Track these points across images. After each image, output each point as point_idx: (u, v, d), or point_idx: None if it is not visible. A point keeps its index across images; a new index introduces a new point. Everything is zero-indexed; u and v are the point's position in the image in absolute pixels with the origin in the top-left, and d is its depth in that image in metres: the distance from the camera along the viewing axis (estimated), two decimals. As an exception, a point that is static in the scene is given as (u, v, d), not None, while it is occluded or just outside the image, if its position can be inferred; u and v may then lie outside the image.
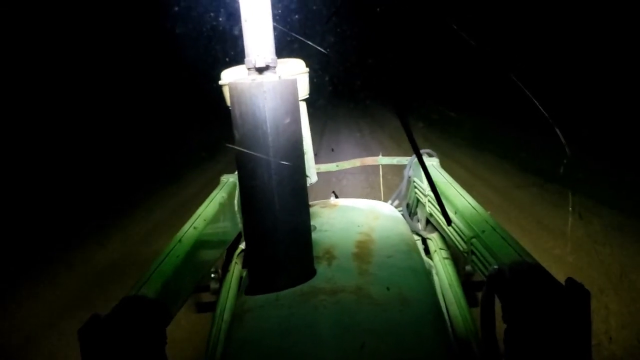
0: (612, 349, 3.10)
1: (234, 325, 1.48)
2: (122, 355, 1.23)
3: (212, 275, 2.25)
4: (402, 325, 1.38)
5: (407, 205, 2.78)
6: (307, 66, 2.29)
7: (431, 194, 2.26)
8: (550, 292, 1.27)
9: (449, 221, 1.59)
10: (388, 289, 1.53)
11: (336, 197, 2.75)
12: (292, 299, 1.47)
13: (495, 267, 1.44)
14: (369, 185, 6.47)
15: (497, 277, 1.41)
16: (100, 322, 1.24)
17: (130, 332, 1.26)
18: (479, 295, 2.41)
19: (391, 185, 3.49)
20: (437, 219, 2.18)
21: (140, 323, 1.30)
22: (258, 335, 1.39)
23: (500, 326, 1.35)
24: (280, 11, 1.54)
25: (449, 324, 1.80)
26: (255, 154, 1.43)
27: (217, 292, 2.23)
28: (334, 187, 5.76)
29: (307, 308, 1.43)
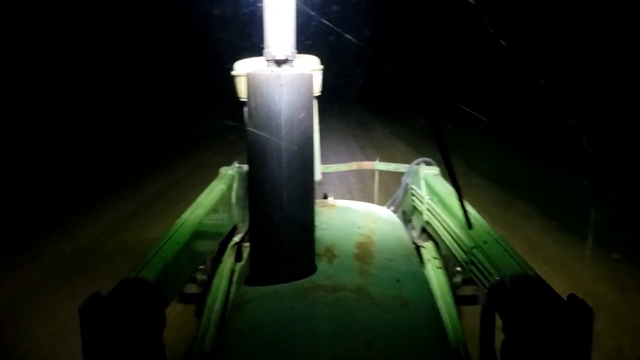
0: None
1: (232, 314, 1.48)
2: (121, 334, 1.22)
3: (200, 267, 2.24)
4: (402, 328, 1.38)
5: (403, 212, 2.79)
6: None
7: (430, 202, 2.27)
8: (552, 308, 1.27)
9: (470, 225, 1.60)
10: (398, 280, 1.54)
11: (325, 197, 2.76)
12: (293, 292, 1.47)
13: (497, 278, 1.44)
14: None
15: (498, 289, 1.41)
16: (101, 301, 1.24)
17: (130, 312, 1.26)
18: (465, 308, 2.44)
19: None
20: (435, 227, 2.19)
21: (139, 304, 1.29)
22: (256, 326, 1.39)
23: (498, 337, 1.36)
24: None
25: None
26: (267, 145, 1.43)
27: (206, 284, 2.22)
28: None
29: (307, 303, 1.42)
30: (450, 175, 1.48)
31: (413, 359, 1.29)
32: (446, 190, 2.21)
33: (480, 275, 1.62)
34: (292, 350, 1.29)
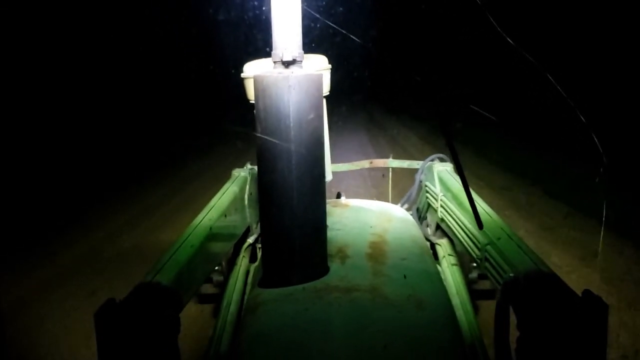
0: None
1: (246, 317, 1.48)
2: (136, 339, 1.23)
3: (216, 268, 2.25)
4: (418, 328, 1.37)
5: (417, 209, 2.78)
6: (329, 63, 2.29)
7: (444, 199, 2.26)
8: (567, 304, 1.26)
9: (480, 225, 1.59)
10: (405, 276, 1.55)
11: (338, 197, 2.75)
12: (306, 294, 1.47)
13: (511, 275, 1.43)
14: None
15: (513, 285, 1.40)
16: (116, 307, 1.24)
17: (145, 317, 1.26)
18: (481, 303, 2.44)
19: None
20: (449, 224, 2.18)
21: (154, 309, 1.30)
22: (272, 328, 1.39)
23: (512, 334, 1.35)
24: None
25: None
26: (276, 147, 1.43)
27: (222, 285, 2.23)
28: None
29: (322, 305, 1.42)
30: (459, 174, 1.47)
31: (428, 358, 1.28)
32: (460, 186, 2.20)
33: (494, 272, 1.61)
34: (309, 353, 1.29)
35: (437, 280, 1.67)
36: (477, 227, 1.74)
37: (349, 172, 3.67)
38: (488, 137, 8.22)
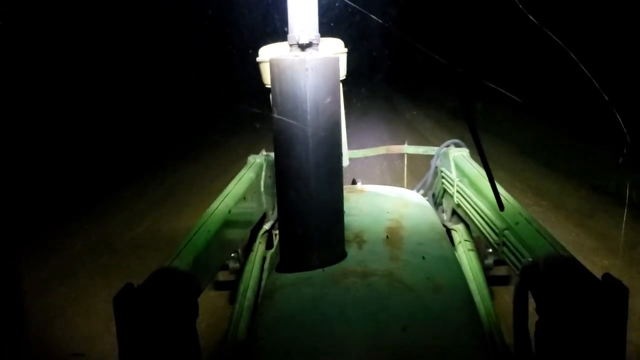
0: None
1: (264, 301, 1.49)
2: (155, 323, 1.24)
3: (232, 255, 2.25)
4: (435, 312, 1.37)
5: (433, 195, 2.77)
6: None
7: (461, 184, 2.24)
8: (587, 287, 1.25)
9: (501, 206, 1.57)
10: (424, 257, 1.55)
11: (354, 183, 2.75)
12: (324, 279, 1.47)
13: (530, 259, 1.42)
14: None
15: (531, 270, 1.39)
16: (134, 292, 1.25)
17: (163, 301, 1.27)
18: (497, 289, 2.42)
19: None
20: (465, 209, 2.16)
21: (172, 293, 1.30)
22: (289, 313, 1.39)
23: (531, 318, 1.34)
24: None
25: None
26: (293, 132, 1.42)
27: (238, 272, 2.24)
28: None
29: (339, 289, 1.42)
30: (480, 155, 1.45)
31: (447, 342, 1.28)
32: (476, 171, 2.18)
33: (512, 257, 1.60)
34: (326, 337, 1.29)
35: (455, 265, 1.66)
36: (495, 211, 1.73)
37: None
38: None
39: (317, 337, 1.29)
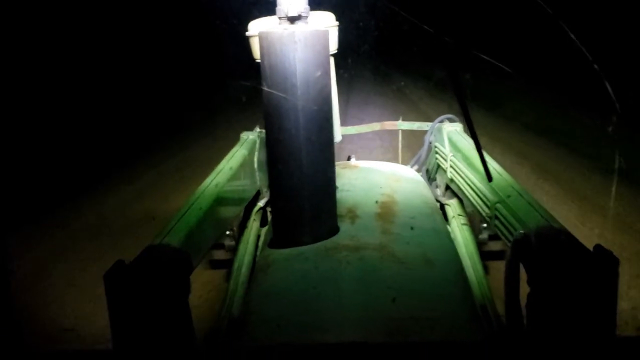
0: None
1: (257, 276, 1.49)
2: (146, 300, 1.23)
3: (227, 233, 2.25)
4: (426, 284, 1.37)
5: (427, 170, 2.76)
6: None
7: (454, 159, 2.23)
8: (578, 258, 1.25)
9: (490, 177, 1.56)
10: (412, 228, 1.56)
11: (348, 159, 2.74)
12: (316, 253, 1.47)
13: (521, 232, 1.42)
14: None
15: (523, 242, 1.39)
16: (125, 268, 1.24)
17: (155, 278, 1.26)
18: (491, 264, 2.43)
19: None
20: (458, 184, 2.16)
21: (164, 270, 1.30)
22: (282, 287, 1.40)
23: (523, 291, 1.34)
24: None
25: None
26: (283, 106, 1.41)
27: (233, 249, 2.24)
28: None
29: (331, 263, 1.43)
30: (468, 127, 1.44)
31: (437, 314, 1.29)
32: (469, 146, 2.17)
33: (504, 230, 1.60)
34: (318, 309, 1.29)
35: (446, 238, 1.67)
36: (487, 184, 1.72)
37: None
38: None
39: (308, 310, 1.29)
